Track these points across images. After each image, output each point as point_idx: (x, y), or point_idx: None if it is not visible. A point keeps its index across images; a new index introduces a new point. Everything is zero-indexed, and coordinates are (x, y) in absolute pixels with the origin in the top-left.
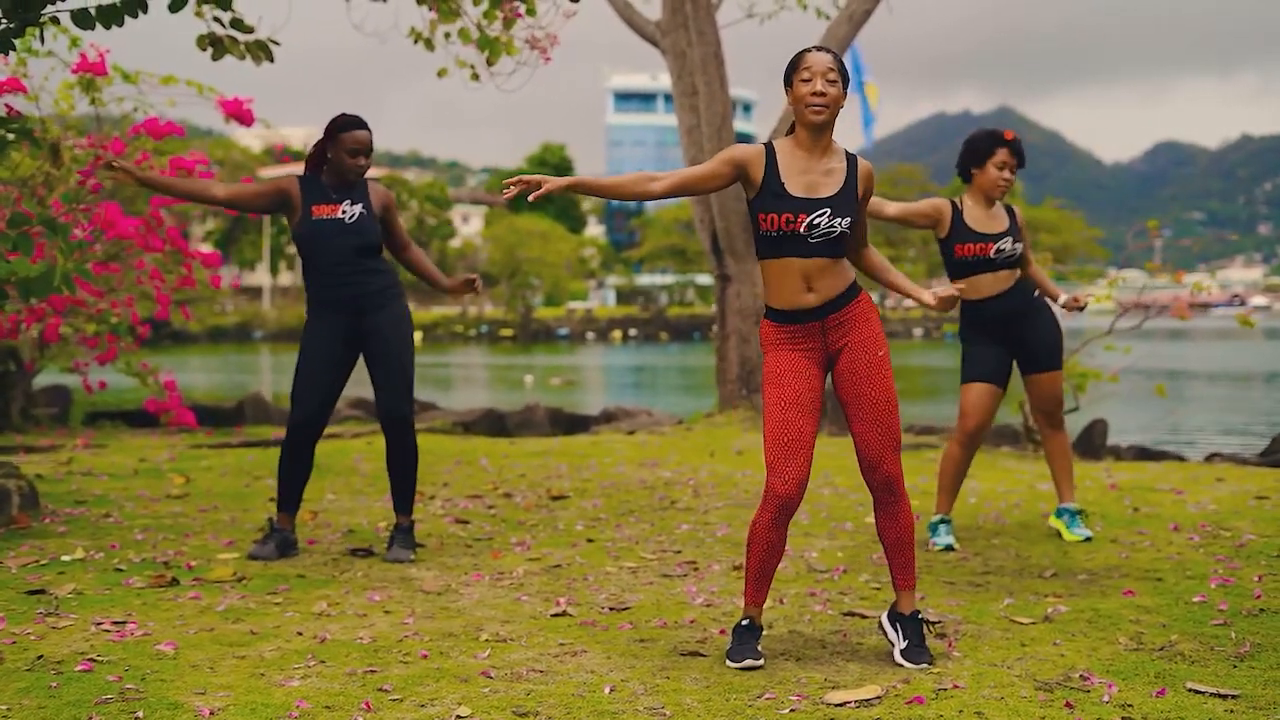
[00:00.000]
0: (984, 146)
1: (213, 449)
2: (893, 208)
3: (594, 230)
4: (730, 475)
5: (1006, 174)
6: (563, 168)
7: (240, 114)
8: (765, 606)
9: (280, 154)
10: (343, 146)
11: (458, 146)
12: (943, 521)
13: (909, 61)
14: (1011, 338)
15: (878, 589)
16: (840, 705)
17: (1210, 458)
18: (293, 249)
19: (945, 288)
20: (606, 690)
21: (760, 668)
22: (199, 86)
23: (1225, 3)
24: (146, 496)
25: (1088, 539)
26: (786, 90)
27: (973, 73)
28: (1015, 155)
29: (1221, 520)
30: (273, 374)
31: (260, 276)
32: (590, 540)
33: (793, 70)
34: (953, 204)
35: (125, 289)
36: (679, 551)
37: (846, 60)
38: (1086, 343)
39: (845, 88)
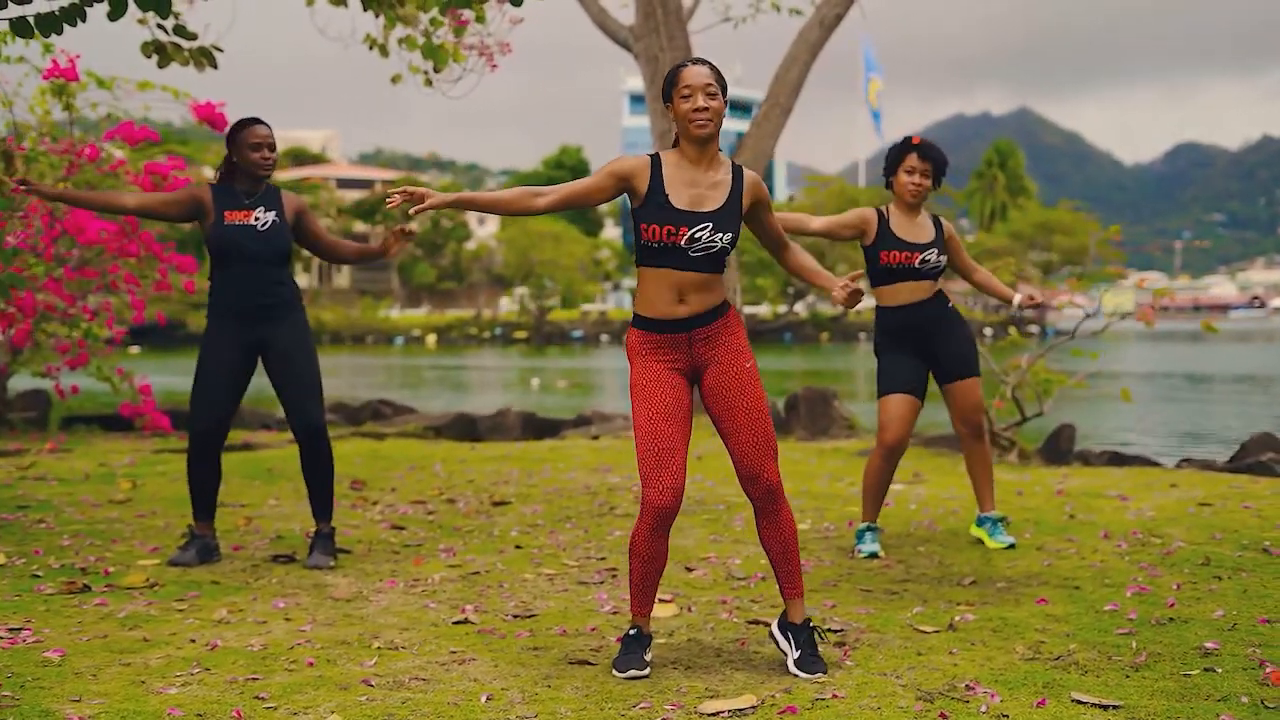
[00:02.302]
0: (894, 154)
1: (175, 453)
2: (817, 222)
3: (610, 233)
4: None
5: (916, 179)
6: (580, 169)
7: (213, 118)
8: (671, 615)
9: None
10: (245, 144)
11: (477, 148)
12: (869, 529)
13: (929, 62)
14: (925, 349)
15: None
16: (714, 715)
17: (1181, 463)
18: (307, 252)
19: (846, 279)
20: (483, 699)
21: (645, 677)
22: (174, 91)
23: (1248, 2)
24: (89, 502)
25: (1010, 546)
26: (667, 106)
27: (993, 73)
28: (925, 160)
29: (1156, 527)
30: None
31: None
32: (519, 547)
33: (672, 86)
34: (879, 212)
35: (101, 294)
36: (604, 559)
37: (858, 57)
38: (1051, 348)
39: (726, 97)
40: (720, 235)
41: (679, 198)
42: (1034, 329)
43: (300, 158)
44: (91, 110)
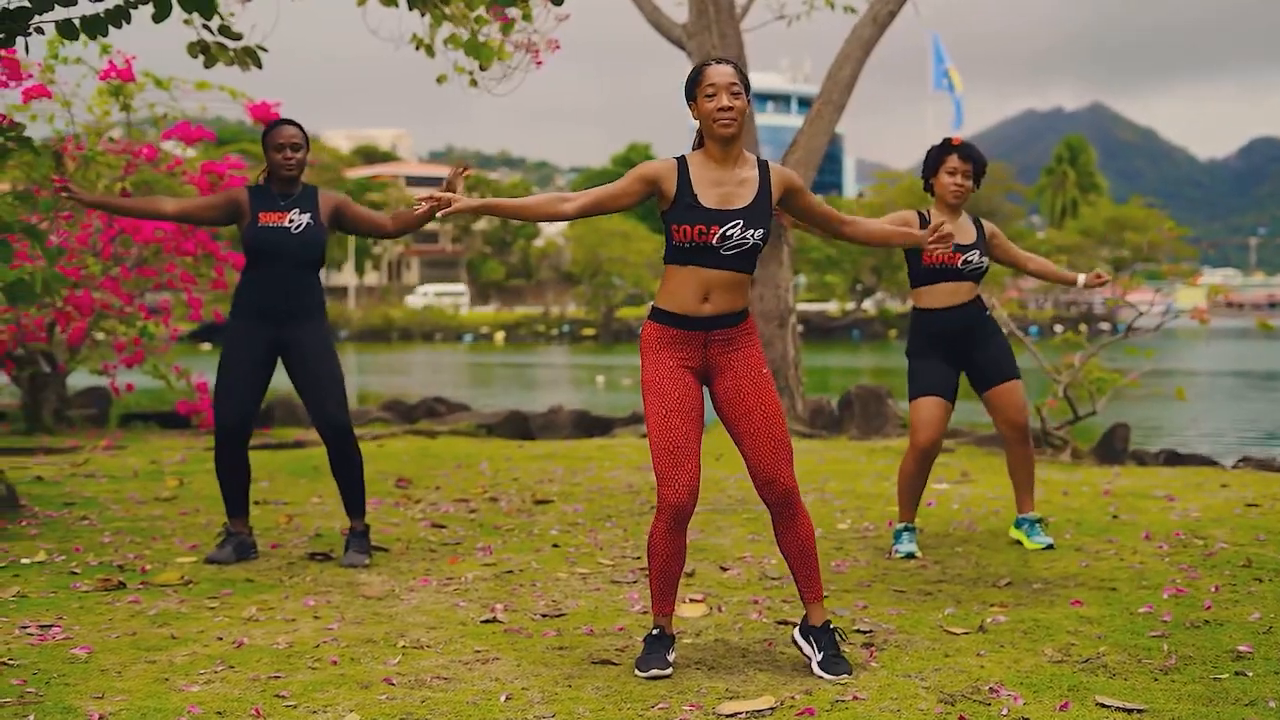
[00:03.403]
0: (934, 156)
1: None
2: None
3: None
4: (721, 480)
5: (958, 179)
6: None
7: (268, 118)
8: (700, 615)
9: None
10: (270, 145)
11: (548, 146)
12: (906, 529)
13: (1001, 57)
14: (960, 352)
15: (825, 596)
16: (731, 716)
17: (1239, 462)
18: (379, 248)
19: (931, 228)
20: (502, 699)
21: (667, 677)
22: (232, 91)
23: None
24: (134, 499)
25: (1049, 547)
26: (690, 105)
27: (1066, 69)
28: (966, 160)
29: (1199, 528)
30: (358, 374)
31: (346, 277)
32: (556, 546)
33: (695, 85)
34: (920, 215)
35: (160, 292)
36: (639, 557)
37: (926, 51)
38: (1103, 346)
39: (749, 97)
40: (752, 232)
41: (707, 197)
42: (1105, 325)
43: (371, 156)
44: (149, 110)
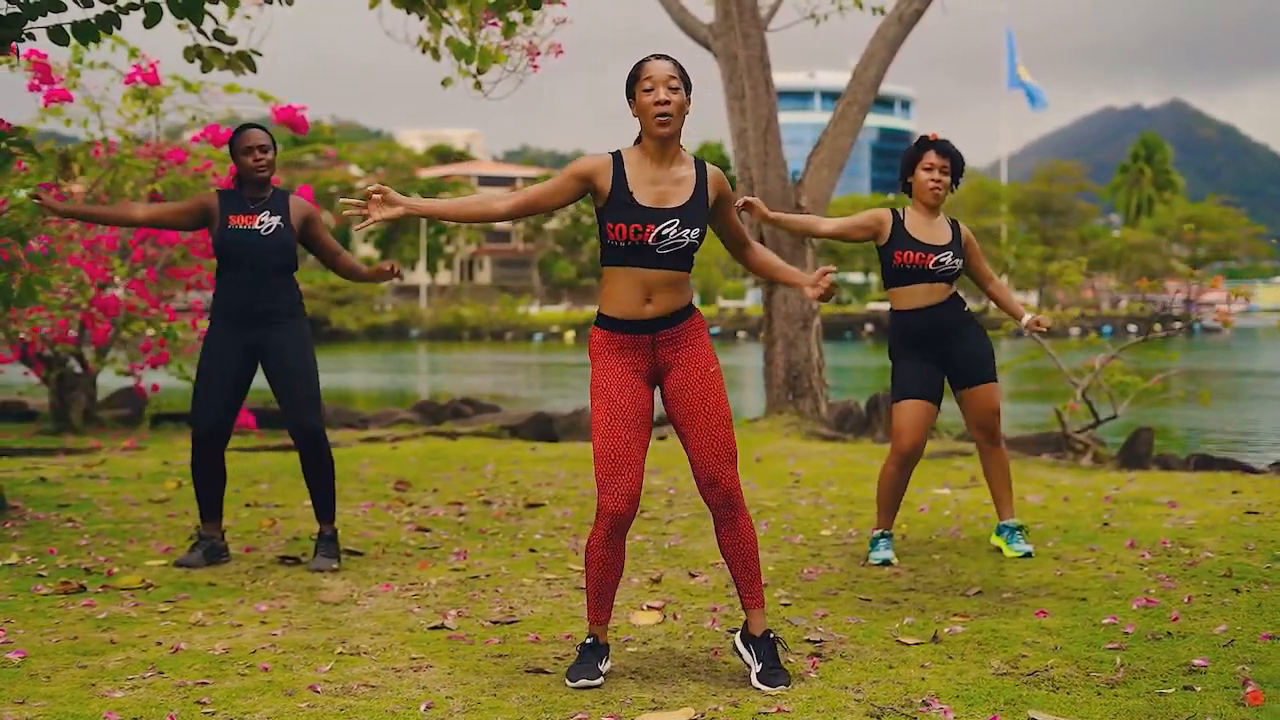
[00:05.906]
0: (911, 153)
1: (247, 451)
2: (828, 224)
3: None
4: None
5: (935, 175)
6: (721, 165)
7: (293, 120)
8: (654, 622)
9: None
10: (239, 150)
11: (623, 144)
12: (883, 536)
13: (1078, 54)
14: (940, 352)
15: (786, 605)
16: None
17: (1272, 466)
18: (451, 248)
19: (819, 272)
20: (423, 708)
21: (597, 687)
22: (263, 95)
23: None
24: (128, 501)
25: (1027, 555)
26: (629, 101)
27: (1147, 65)
28: (944, 156)
29: (1189, 537)
30: (429, 374)
31: (418, 275)
32: (532, 550)
33: (634, 81)
34: (894, 213)
35: (191, 293)
36: None
37: (1001, 42)
38: (1124, 348)
39: (689, 93)
40: (688, 231)
41: (643, 195)
42: (1178, 324)
43: (445, 155)
44: (179, 113)
